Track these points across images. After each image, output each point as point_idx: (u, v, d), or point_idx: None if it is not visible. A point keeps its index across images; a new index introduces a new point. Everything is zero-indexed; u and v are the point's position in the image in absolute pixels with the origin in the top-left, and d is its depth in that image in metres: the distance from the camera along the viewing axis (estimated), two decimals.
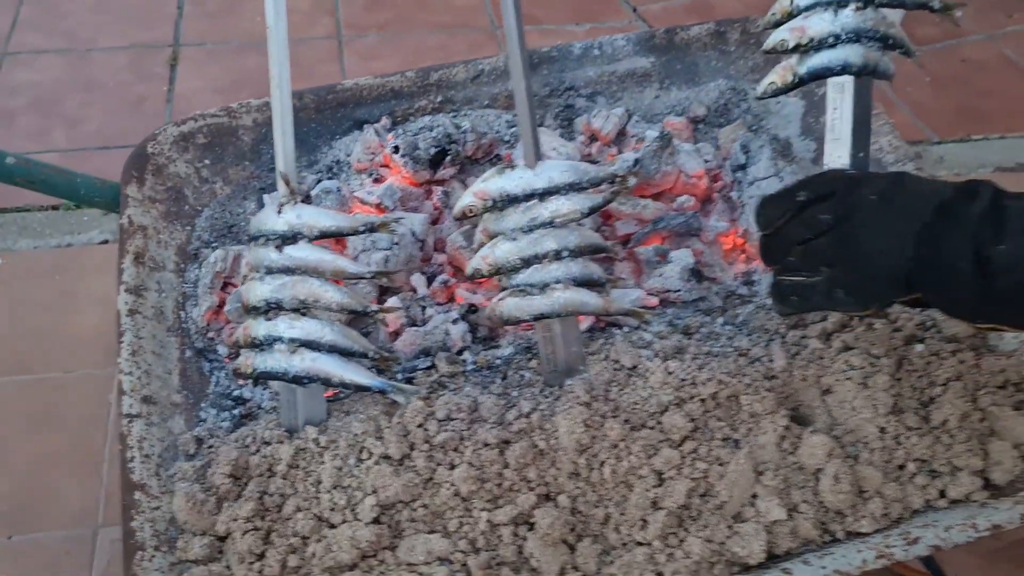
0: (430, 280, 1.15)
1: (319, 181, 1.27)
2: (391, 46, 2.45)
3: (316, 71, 2.30)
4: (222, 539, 0.92)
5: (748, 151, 1.26)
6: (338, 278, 0.93)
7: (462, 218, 0.95)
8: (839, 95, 1.06)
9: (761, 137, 1.28)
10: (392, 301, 1.11)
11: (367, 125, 1.29)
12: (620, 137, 1.34)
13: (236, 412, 1.04)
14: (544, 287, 0.95)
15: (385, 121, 1.30)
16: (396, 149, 1.22)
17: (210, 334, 1.12)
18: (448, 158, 1.22)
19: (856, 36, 0.99)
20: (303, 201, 1.23)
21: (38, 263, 1.84)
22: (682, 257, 1.12)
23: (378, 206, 1.18)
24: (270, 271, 0.93)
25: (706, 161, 1.26)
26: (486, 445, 0.92)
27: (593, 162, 1.30)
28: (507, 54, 0.89)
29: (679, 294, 1.11)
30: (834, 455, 0.94)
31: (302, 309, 0.93)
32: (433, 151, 1.21)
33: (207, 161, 1.26)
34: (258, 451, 0.95)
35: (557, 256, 0.95)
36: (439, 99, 1.33)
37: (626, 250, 1.17)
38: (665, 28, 1.39)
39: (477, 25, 2.56)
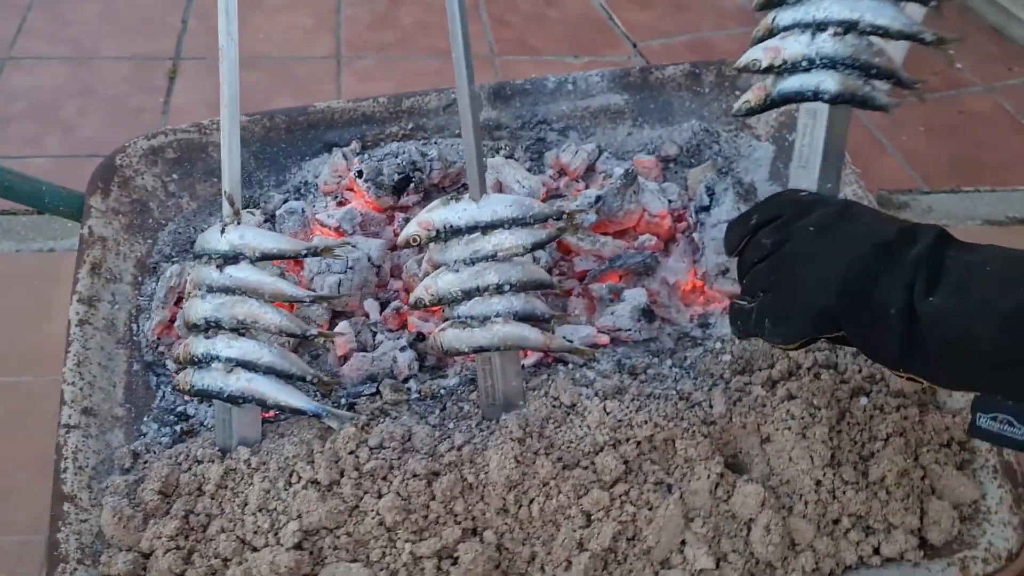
0: (384, 306, 1.15)
1: (285, 201, 1.28)
2: (388, 69, 2.47)
3: (313, 90, 2.33)
4: (147, 556, 0.91)
5: (713, 193, 1.26)
6: (277, 300, 0.93)
7: (406, 247, 0.95)
8: (811, 121, 1.00)
9: (726, 180, 1.28)
10: (342, 325, 1.11)
11: (336, 148, 1.30)
12: (589, 172, 1.34)
13: (178, 428, 1.04)
14: (484, 320, 0.95)
15: (355, 145, 1.31)
16: (360, 174, 1.22)
17: (160, 348, 1.12)
18: (412, 185, 1.23)
19: (831, 63, 0.94)
20: (266, 221, 1.25)
21: (19, 267, 1.86)
22: (635, 296, 1.12)
23: (336, 229, 1.19)
24: (211, 290, 0.93)
25: (670, 201, 1.26)
26: (415, 476, 0.91)
27: (559, 196, 1.30)
28: (456, 85, 0.90)
29: (629, 333, 1.10)
30: (767, 505, 0.93)
31: (241, 329, 0.94)
32: (397, 177, 1.22)
33: (175, 176, 1.27)
34: (190, 469, 0.95)
35: (499, 290, 0.94)
36: (410, 126, 1.33)
37: (581, 286, 1.17)
38: (640, 67, 1.40)
39: (475, 52, 2.57)
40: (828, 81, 0.93)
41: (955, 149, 2.41)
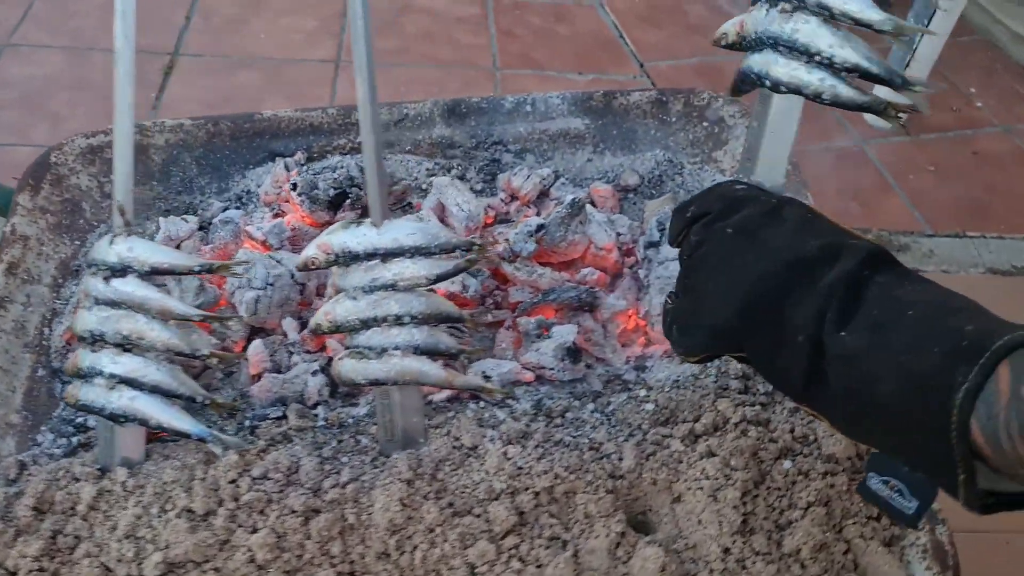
0: (303, 326, 1.11)
1: (225, 209, 1.24)
2: (386, 76, 2.43)
3: (307, 93, 2.30)
4: (13, 574, 0.87)
5: (663, 229, 1.20)
6: (165, 317, 0.89)
7: (304, 269, 0.90)
8: (760, 108, 0.90)
9: None
10: (255, 344, 1.07)
11: (281, 158, 1.26)
12: (543, 198, 1.29)
13: (75, 440, 1.00)
14: (382, 352, 0.90)
15: (299, 156, 1.27)
16: (295, 187, 1.18)
17: (68, 354, 1.08)
18: (348, 201, 1.18)
19: (774, 42, 0.81)
20: (201, 229, 1.21)
21: None
22: (563, 333, 1.06)
23: (263, 243, 1.14)
24: (97, 302, 0.89)
25: (619, 234, 1.20)
26: (292, 512, 0.86)
27: (507, 221, 1.25)
28: (358, 102, 0.85)
29: (553, 372, 1.05)
30: (668, 571, 0.86)
31: (127, 345, 0.89)
32: (333, 192, 1.17)
33: (112, 177, 1.24)
34: (66, 486, 0.91)
35: (398, 321, 0.89)
36: (359, 139, 1.29)
37: (511, 319, 1.12)
38: (604, 91, 1.34)
39: (478, 63, 2.54)
40: (775, 66, 0.82)
41: (964, 191, 2.32)
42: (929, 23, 2.34)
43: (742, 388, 1.04)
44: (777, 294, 0.67)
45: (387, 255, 0.88)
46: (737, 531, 0.88)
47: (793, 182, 1.22)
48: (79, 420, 1.02)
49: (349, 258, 0.89)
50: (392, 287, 0.89)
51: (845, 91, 0.82)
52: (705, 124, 1.33)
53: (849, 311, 0.63)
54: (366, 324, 0.90)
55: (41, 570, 0.86)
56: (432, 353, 0.92)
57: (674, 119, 1.34)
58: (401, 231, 0.88)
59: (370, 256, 0.88)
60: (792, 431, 0.98)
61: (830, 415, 0.66)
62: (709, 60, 2.68)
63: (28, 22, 2.44)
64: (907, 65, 2.40)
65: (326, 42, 2.52)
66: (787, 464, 0.94)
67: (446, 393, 1.02)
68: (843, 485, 0.93)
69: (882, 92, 0.85)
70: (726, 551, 0.88)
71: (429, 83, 2.43)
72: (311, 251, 0.90)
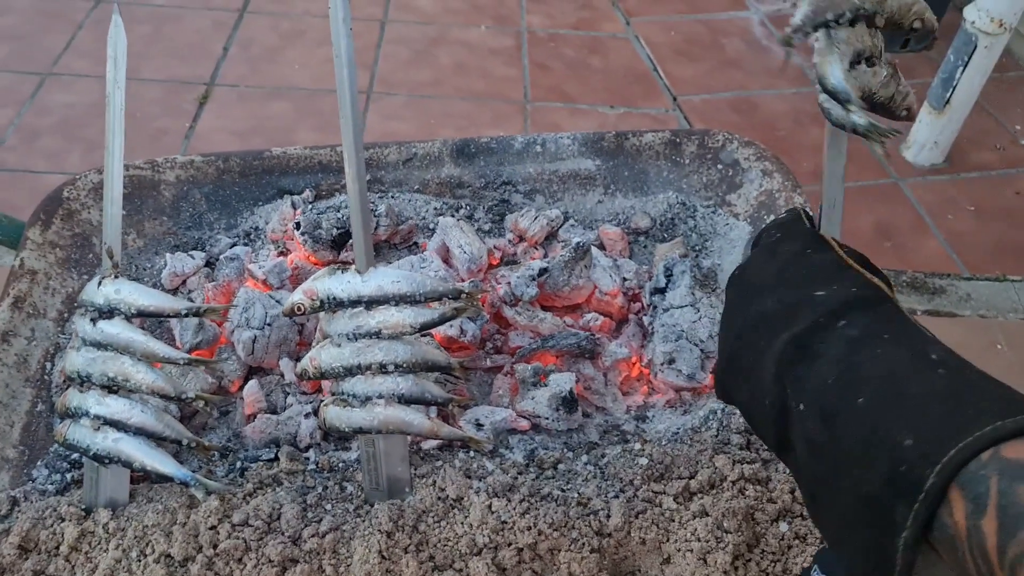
0: None
1: (232, 246, 1.25)
2: (416, 108, 2.45)
3: (336, 123, 2.31)
4: None
5: (671, 275, 1.17)
6: (150, 360, 0.89)
7: (290, 315, 0.90)
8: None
9: (685, 262, 1.19)
10: (250, 385, 1.06)
11: (288, 195, 1.27)
12: (551, 239, 1.27)
13: (69, 476, 1.00)
14: (366, 400, 0.89)
15: (308, 194, 1.27)
16: (298, 226, 1.18)
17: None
18: (351, 241, 1.17)
19: None
20: (207, 265, 1.22)
21: None
22: (560, 381, 1.04)
23: (264, 282, 1.14)
24: (85, 343, 0.89)
25: (624, 279, 1.18)
26: (269, 561, 0.85)
27: (513, 263, 1.24)
28: (343, 148, 0.84)
29: (548, 422, 1.02)
30: None
31: (112, 386, 0.89)
32: (336, 232, 1.17)
33: (124, 212, 1.24)
34: (52, 526, 0.91)
35: (382, 369, 0.88)
36: (367, 178, 1.28)
37: (509, 365, 1.10)
38: (616, 132, 1.32)
39: (509, 97, 2.54)
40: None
41: (1005, 233, 2.24)
42: (970, 59, 2.28)
43: (743, 444, 1.01)
44: (747, 352, 0.65)
45: (371, 302, 0.87)
46: None
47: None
48: (74, 456, 1.03)
49: (334, 304, 0.88)
50: (377, 335, 0.88)
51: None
52: (720, 166, 1.31)
53: (803, 378, 0.59)
54: (350, 371, 0.89)
55: None
56: (418, 402, 0.90)
57: (687, 161, 1.32)
58: (385, 279, 0.87)
59: (354, 303, 0.87)
60: (792, 491, 0.95)
61: (798, 485, 0.63)
62: (744, 95, 2.64)
63: (71, 51, 2.50)
64: (947, 102, 2.34)
65: (359, 73, 2.55)
66: (783, 527, 0.91)
67: (437, 441, 1.00)
68: None
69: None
70: None
71: (460, 116, 2.43)
72: (297, 296, 0.89)
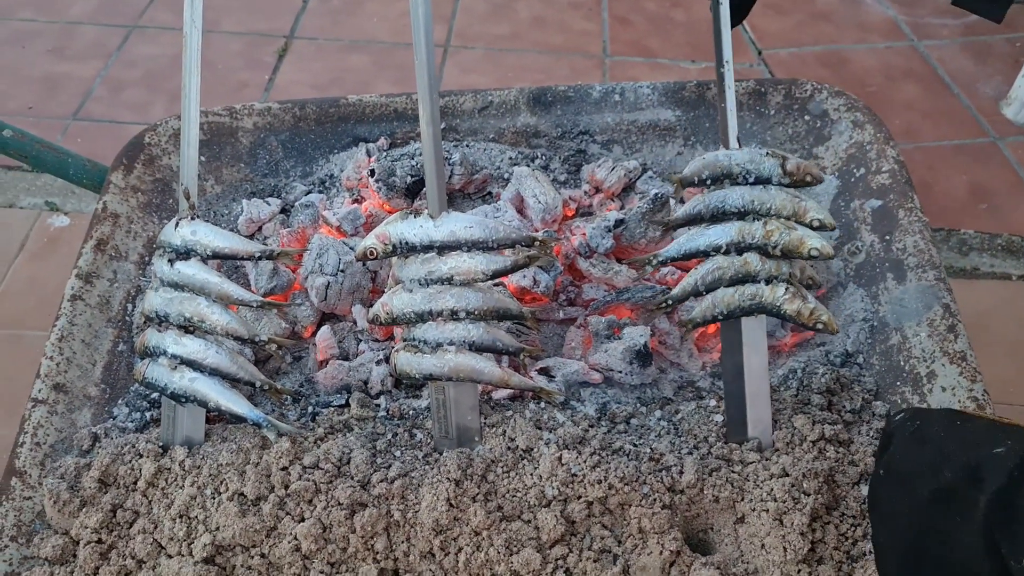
0: None
1: (307, 193, 1.25)
2: (493, 62, 2.41)
3: (411, 77, 2.29)
4: (75, 543, 0.90)
5: None
6: (224, 302, 0.89)
7: (363, 259, 0.89)
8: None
9: None
10: (323, 331, 1.07)
11: (364, 143, 1.26)
12: (628, 191, 1.24)
13: (148, 415, 1.02)
14: (437, 347, 0.88)
15: (383, 142, 1.26)
16: (372, 173, 1.17)
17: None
18: (425, 189, 1.16)
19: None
20: (282, 212, 1.23)
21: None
22: (634, 335, 1.02)
23: (338, 228, 1.14)
24: (163, 284, 0.90)
25: None
26: (339, 504, 0.85)
27: (588, 215, 1.21)
28: (418, 91, 0.82)
29: (621, 375, 1.00)
30: None
31: (189, 327, 0.90)
32: (410, 179, 1.16)
33: (202, 158, 1.26)
34: (130, 462, 0.93)
35: (453, 316, 0.87)
36: (442, 126, 1.27)
37: (583, 317, 1.08)
38: (697, 82, 1.27)
39: (588, 51, 2.48)
40: None
41: None
42: None
43: (824, 404, 0.97)
44: (933, 538, 0.62)
45: (443, 248, 0.86)
46: (803, 559, 0.82)
47: (899, 182, 1.13)
48: (153, 396, 1.05)
49: (407, 249, 0.87)
50: (448, 281, 0.86)
51: None
52: (807, 118, 1.25)
53: (1019, 535, 0.57)
54: (421, 317, 0.88)
55: (99, 542, 0.88)
56: (489, 350, 0.89)
57: (772, 112, 1.26)
58: (458, 224, 0.85)
59: (427, 248, 0.86)
60: (875, 454, 0.91)
61: None
62: (834, 49, 2.53)
63: (156, 5, 2.54)
64: None
65: (436, 26, 2.52)
66: (865, 490, 0.87)
67: (507, 391, 0.99)
68: None
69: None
70: None
71: (537, 70, 2.39)
72: (370, 241, 0.89)
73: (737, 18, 0.92)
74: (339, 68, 2.36)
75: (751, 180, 0.91)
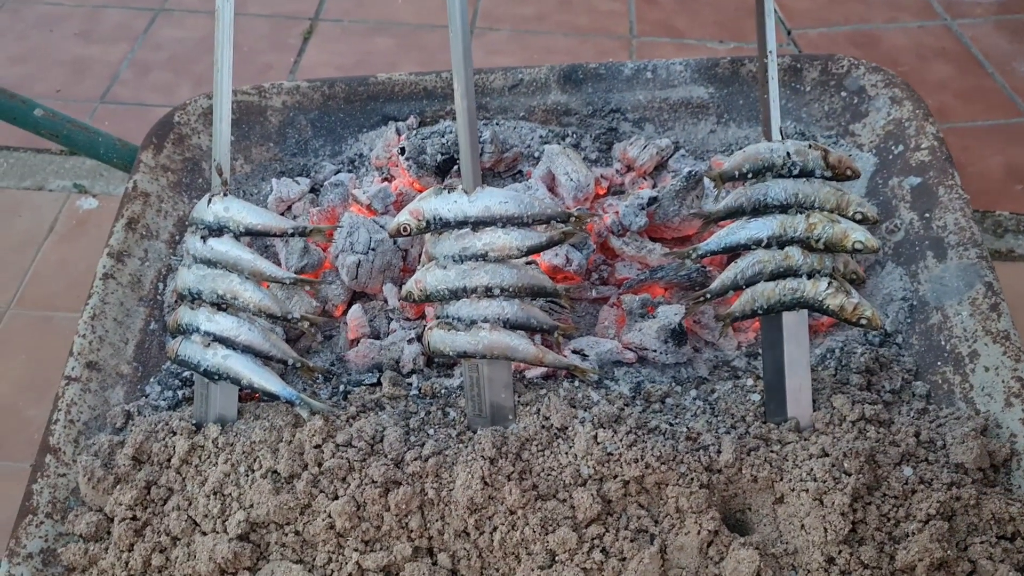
0: None
1: (336, 172, 1.24)
2: (520, 44, 2.39)
3: (438, 59, 2.28)
4: (110, 520, 0.90)
5: None
6: (257, 278, 0.89)
7: (396, 235, 0.88)
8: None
9: None
10: (354, 309, 1.06)
11: (393, 122, 1.25)
12: (660, 170, 1.22)
13: (180, 393, 1.02)
14: (471, 324, 0.87)
15: (412, 120, 1.25)
16: (402, 151, 1.16)
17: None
18: (456, 167, 1.15)
19: None
20: (312, 191, 1.22)
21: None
22: (669, 314, 1.00)
23: (368, 207, 1.13)
24: (196, 260, 0.90)
25: None
26: (372, 482, 0.85)
27: (620, 193, 1.19)
28: (452, 65, 0.81)
29: (655, 354, 0.99)
30: None
31: (222, 304, 0.90)
32: (440, 158, 1.15)
33: (232, 137, 1.25)
34: (164, 439, 0.93)
35: (488, 293, 0.86)
36: None
37: (616, 296, 1.06)
38: (731, 58, 1.25)
39: (615, 31, 2.45)
40: None
41: None
42: None
43: (864, 384, 0.95)
44: None
45: (478, 224, 0.84)
46: (844, 540, 0.81)
47: (939, 159, 1.11)
48: (185, 374, 1.05)
49: (440, 225, 0.86)
50: (483, 257, 0.85)
51: None
52: (843, 94, 1.23)
53: None
54: (455, 294, 0.87)
55: (134, 518, 0.88)
56: (523, 328, 0.88)
57: (808, 88, 1.24)
58: (492, 199, 0.84)
59: (461, 224, 0.85)
60: (917, 435, 0.89)
61: None
62: (864, 28, 2.49)
63: None
64: None
65: None
66: (907, 471, 0.85)
67: (541, 370, 0.98)
68: (971, 499, 0.83)
69: None
70: (830, 560, 0.81)
71: (563, 52, 2.37)
72: (403, 217, 0.88)
73: None
74: (364, 50, 2.35)
75: (795, 173, 0.89)
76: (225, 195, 0.89)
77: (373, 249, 1.07)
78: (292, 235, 0.89)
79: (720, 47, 2.42)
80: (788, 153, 0.89)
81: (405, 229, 0.87)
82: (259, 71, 2.27)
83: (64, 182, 2.01)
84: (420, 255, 1.12)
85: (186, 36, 2.37)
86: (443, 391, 0.99)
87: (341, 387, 1.00)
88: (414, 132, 1.19)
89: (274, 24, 2.42)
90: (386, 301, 1.09)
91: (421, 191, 1.17)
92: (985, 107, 2.24)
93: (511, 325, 0.87)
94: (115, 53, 2.32)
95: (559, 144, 1.21)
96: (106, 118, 2.16)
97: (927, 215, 1.08)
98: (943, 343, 0.98)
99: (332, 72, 2.27)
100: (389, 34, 2.40)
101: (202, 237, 0.89)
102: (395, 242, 1.09)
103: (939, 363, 0.98)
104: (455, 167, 1.15)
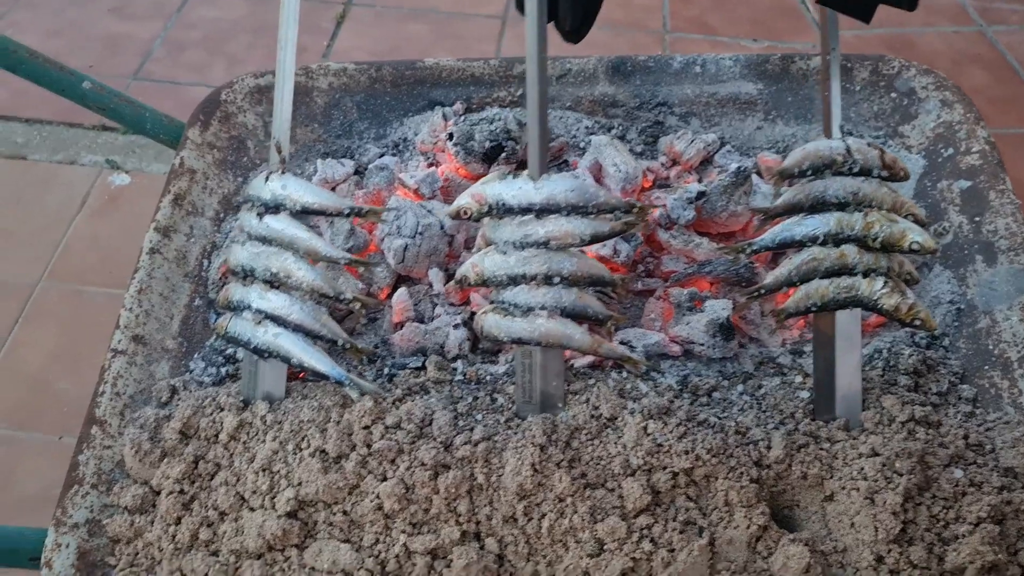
0: (449, 278, 1.09)
1: (381, 155, 1.24)
2: (554, 36, 2.39)
3: (472, 47, 2.28)
4: (158, 494, 0.91)
5: None
6: (311, 258, 0.89)
7: (456, 218, 0.88)
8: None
9: None
10: (399, 293, 1.06)
11: (440, 107, 1.25)
12: (706, 165, 1.22)
13: (224, 370, 1.03)
14: (528, 311, 0.87)
15: (459, 106, 1.25)
16: (451, 136, 1.16)
17: (223, 287, 1.11)
18: (504, 155, 1.15)
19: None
20: (356, 173, 1.22)
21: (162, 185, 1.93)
22: (717, 308, 1.00)
23: (415, 191, 1.13)
24: (250, 237, 0.90)
25: None
26: (422, 465, 0.85)
27: (666, 186, 1.19)
28: (526, 50, 0.81)
29: (703, 348, 0.99)
30: (812, 572, 0.80)
31: (275, 282, 0.90)
32: (488, 145, 1.15)
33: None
34: (211, 414, 0.93)
35: (547, 280, 0.86)
36: (519, 92, 1.26)
37: (663, 289, 1.06)
38: (782, 55, 1.25)
39: (648, 26, 2.45)
40: None
41: None
42: None
43: (912, 385, 0.95)
44: None
45: (542, 211, 0.84)
46: (894, 539, 0.81)
47: (990, 163, 1.10)
48: (229, 351, 1.05)
49: (502, 210, 0.86)
50: (544, 245, 0.85)
51: None
52: (893, 95, 1.22)
53: None
54: (513, 280, 0.87)
55: (182, 492, 0.88)
56: (579, 317, 0.88)
57: (858, 88, 1.24)
58: (558, 187, 0.84)
59: (524, 211, 0.85)
60: (966, 437, 0.89)
61: None
62: (900, 32, 2.48)
63: None
64: None
65: (494, 0, 2.50)
66: (957, 473, 0.85)
67: (588, 359, 0.98)
68: (1021, 503, 0.83)
69: None
70: (879, 559, 0.81)
71: (597, 46, 2.35)
72: (464, 200, 0.88)
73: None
74: (397, 36, 2.35)
75: (855, 171, 0.89)
76: (283, 172, 0.89)
77: (420, 233, 1.07)
78: (349, 215, 0.89)
79: (753, 45, 2.41)
80: (848, 150, 0.89)
81: (465, 212, 0.87)
82: None
83: (96, 157, 2.02)
84: (465, 241, 1.12)
85: (220, 16, 2.38)
86: (488, 377, 0.99)
87: (386, 370, 1.00)
88: (462, 118, 1.19)
89: (307, 7, 2.43)
90: (431, 285, 1.09)
91: (467, 177, 1.17)
92: (1019, 114, 2.24)
93: (567, 313, 0.87)
94: (149, 30, 2.33)
95: (605, 135, 1.20)
96: (139, 95, 2.15)
97: (977, 219, 1.07)
98: (991, 347, 0.98)
99: (365, 56, 2.28)
100: (423, 21, 2.41)
101: (258, 214, 0.89)
102: (441, 227, 1.09)
103: (986, 367, 0.97)
104: (502, 155, 1.15)
